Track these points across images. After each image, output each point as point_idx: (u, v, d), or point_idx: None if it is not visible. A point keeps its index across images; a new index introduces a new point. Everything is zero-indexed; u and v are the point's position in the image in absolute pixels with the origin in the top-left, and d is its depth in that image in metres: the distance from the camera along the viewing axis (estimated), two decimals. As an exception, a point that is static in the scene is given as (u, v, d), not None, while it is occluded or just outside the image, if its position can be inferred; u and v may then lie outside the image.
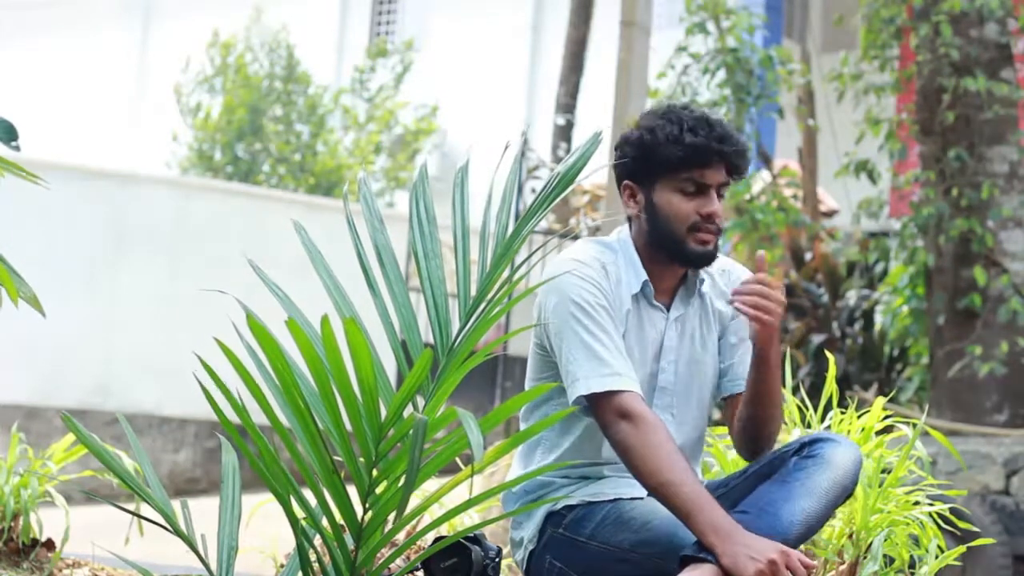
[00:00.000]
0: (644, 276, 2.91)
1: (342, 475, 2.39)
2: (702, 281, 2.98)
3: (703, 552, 2.58)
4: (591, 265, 2.88)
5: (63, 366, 11.59)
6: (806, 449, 2.79)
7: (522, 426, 2.99)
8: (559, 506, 2.87)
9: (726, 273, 3.05)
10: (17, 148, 2.39)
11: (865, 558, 3.14)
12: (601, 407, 2.76)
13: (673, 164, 2.84)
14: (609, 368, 2.76)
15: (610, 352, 2.78)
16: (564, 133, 13.66)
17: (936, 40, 8.83)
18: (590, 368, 2.76)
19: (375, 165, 18.14)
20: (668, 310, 2.95)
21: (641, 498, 2.84)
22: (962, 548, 3.25)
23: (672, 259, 2.91)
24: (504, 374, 10.81)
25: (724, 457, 3.33)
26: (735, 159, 2.87)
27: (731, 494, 2.77)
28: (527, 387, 2.98)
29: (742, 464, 3.30)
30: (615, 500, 2.84)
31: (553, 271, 2.88)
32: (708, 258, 2.89)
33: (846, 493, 2.78)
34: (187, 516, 2.51)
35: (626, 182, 2.94)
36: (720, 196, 2.89)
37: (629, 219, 2.98)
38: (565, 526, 2.86)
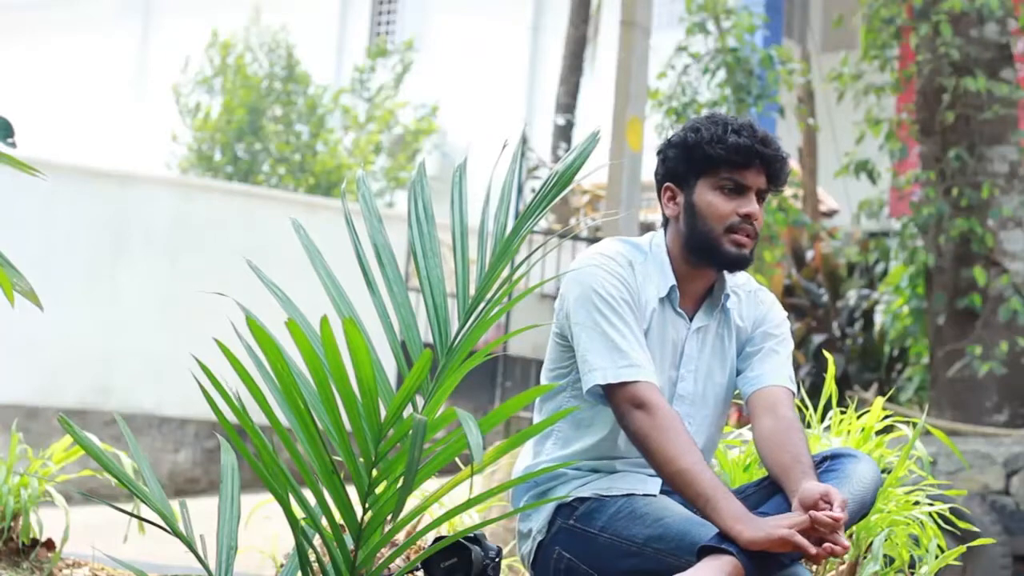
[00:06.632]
0: (672, 281, 2.92)
1: (342, 475, 2.39)
2: (727, 296, 2.98)
3: (723, 543, 2.59)
4: (617, 260, 2.89)
5: (63, 366, 11.58)
6: (826, 463, 2.79)
7: (536, 417, 2.99)
8: (570, 498, 2.86)
9: (753, 295, 3.05)
10: (13, 144, 2.38)
11: (865, 558, 3.14)
12: (616, 397, 2.77)
13: (715, 162, 2.86)
14: (627, 359, 2.77)
15: (629, 344, 2.79)
16: (564, 133, 13.66)
17: (936, 40, 8.83)
18: (608, 358, 2.77)
19: (375, 165, 18.14)
20: (691, 319, 2.96)
21: (654, 495, 2.85)
22: (962, 548, 3.24)
23: (707, 261, 2.91)
24: (504, 374, 10.81)
25: (724, 457, 3.32)
26: (775, 165, 2.89)
27: (747, 502, 2.74)
28: (543, 377, 2.99)
29: (743, 464, 3.31)
30: (628, 495, 2.84)
31: (579, 263, 2.89)
32: (742, 261, 2.89)
33: (864, 509, 2.79)
34: (186, 516, 2.51)
35: (667, 184, 2.96)
36: (760, 201, 2.90)
37: (665, 223, 2.98)
38: (576, 518, 2.85)
